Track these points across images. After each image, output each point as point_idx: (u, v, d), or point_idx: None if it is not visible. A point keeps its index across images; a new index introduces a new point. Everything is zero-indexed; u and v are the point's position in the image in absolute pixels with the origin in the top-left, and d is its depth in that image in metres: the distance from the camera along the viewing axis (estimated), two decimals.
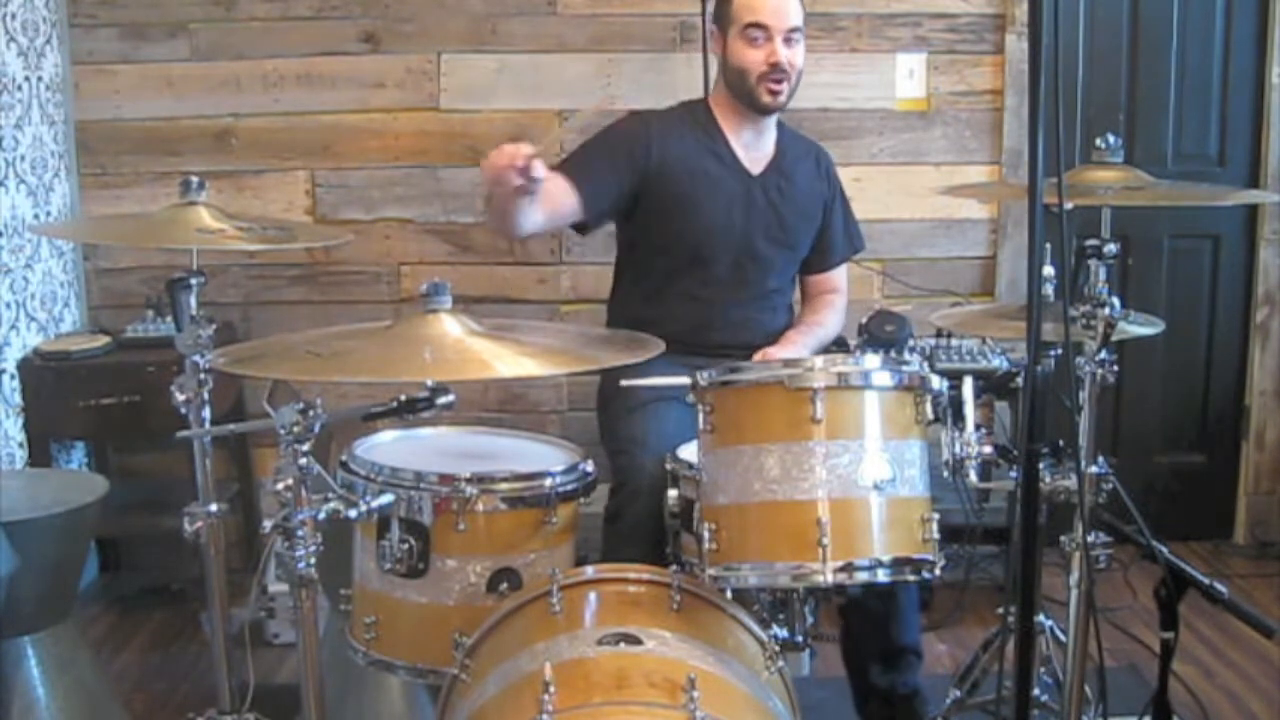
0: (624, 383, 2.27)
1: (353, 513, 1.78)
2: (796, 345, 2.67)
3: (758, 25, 2.55)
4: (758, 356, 2.56)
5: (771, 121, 2.72)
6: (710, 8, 3.22)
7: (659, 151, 2.63)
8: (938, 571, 1.82)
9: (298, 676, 1.77)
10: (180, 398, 2.11)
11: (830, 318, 2.83)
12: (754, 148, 2.72)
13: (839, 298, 2.89)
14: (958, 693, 2.43)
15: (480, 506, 1.93)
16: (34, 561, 2.30)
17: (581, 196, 2.56)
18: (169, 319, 2.64)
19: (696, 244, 2.65)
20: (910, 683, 2.44)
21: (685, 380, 1.89)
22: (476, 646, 1.79)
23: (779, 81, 2.58)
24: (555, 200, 2.50)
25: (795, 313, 2.88)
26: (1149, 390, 3.79)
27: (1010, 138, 3.56)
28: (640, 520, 2.23)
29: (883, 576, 1.77)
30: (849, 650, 2.50)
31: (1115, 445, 3.77)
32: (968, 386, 1.98)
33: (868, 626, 2.43)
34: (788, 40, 2.57)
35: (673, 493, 2.04)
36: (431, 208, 3.59)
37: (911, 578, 1.82)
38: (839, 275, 2.89)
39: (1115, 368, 2.01)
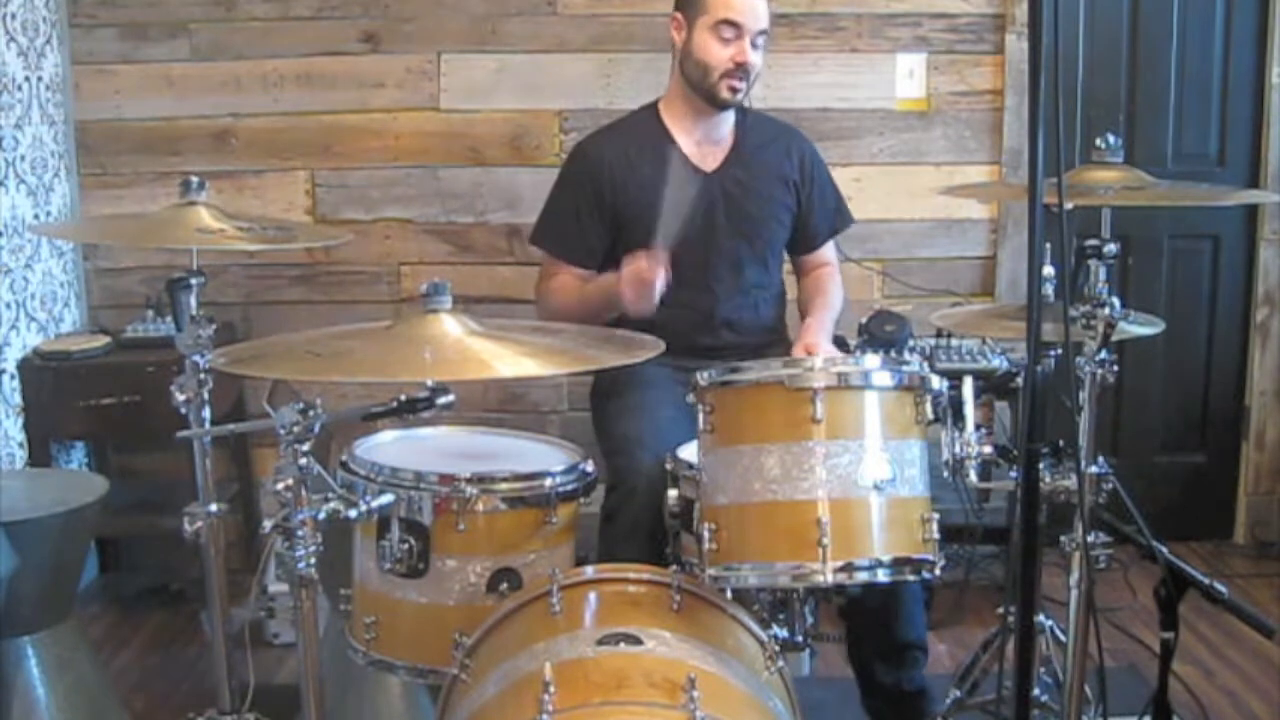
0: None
1: (353, 513, 1.78)
2: (825, 335, 2.66)
3: (731, 24, 2.55)
4: (798, 350, 2.56)
5: (726, 114, 2.71)
6: None
7: (609, 176, 2.66)
8: (938, 571, 1.82)
9: (298, 676, 1.76)
10: (180, 398, 2.11)
11: (832, 291, 2.82)
12: (707, 143, 2.70)
13: (831, 269, 2.88)
14: (958, 693, 2.42)
15: (480, 506, 1.93)
16: (34, 561, 2.30)
17: (588, 267, 2.68)
18: (169, 319, 2.63)
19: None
20: (916, 679, 2.43)
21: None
22: (476, 646, 1.79)
23: (741, 80, 2.58)
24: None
25: (782, 304, 2.87)
26: (1149, 390, 3.80)
27: (1010, 138, 3.56)
28: (637, 520, 2.23)
29: (883, 576, 1.77)
30: (854, 647, 2.49)
31: (1115, 445, 3.77)
32: (968, 386, 1.98)
33: (871, 623, 2.42)
34: (755, 42, 2.58)
35: (673, 493, 2.04)
36: (431, 208, 3.59)
37: (911, 578, 1.82)
38: (826, 250, 2.89)
39: (1115, 368, 2.01)
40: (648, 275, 2.37)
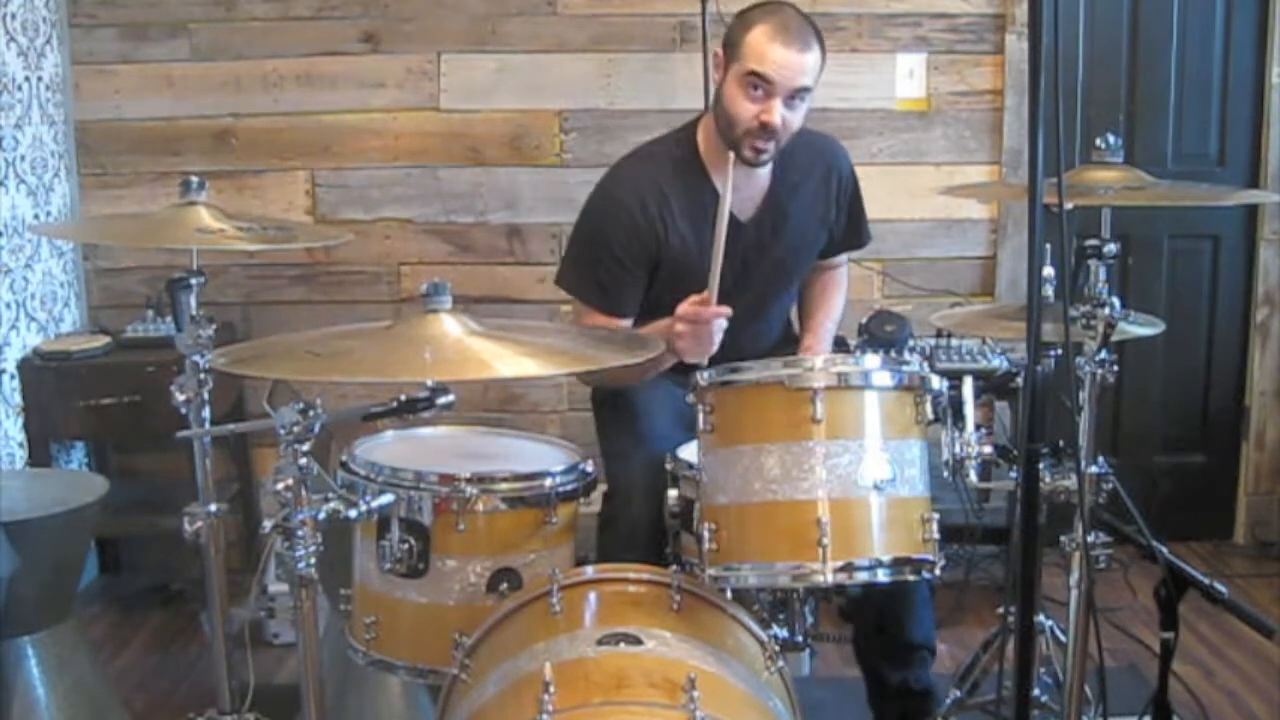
0: None
1: (353, 513, 1.78)
2: (826, 347, 2.60)
3: (760, 77, 2.23)
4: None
5: None
6: (712, 8, 3.23)
7: (661, 233, 2.40)
8: (938, 571, 1.82)
9: (298, 676, 1.76)
10: (180, 398, 2.11)
11: (836, 299, 2.72)
12: (744, 186, 2.40)
13: (840, 271, 2.76)
14: (958, 693, 2.42)
15: (480, 506, 1.93)
16: (34, 561, 2.30)
17: (626, 317, 2.46)
18: (169, 319, 2.63)
19: (686, 299, 2.34)
20: (923, 679, 2.41)
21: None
22: (476, 646, 1.79)
23: (767, 142, 2.29)
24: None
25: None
26: (1149, 390, 3.79)
27: (1010, 138, 3.56)
28: (635, 526, 2.20)
29: (883, 576, 1.77)
30: (861, 646, 2.47)
31: (1115, 445, 3.77)
32: (968, 386, 1.98)
33: (879, 623, 2.41)
34: (791, 100, 2.26)
35: (673, 493, 2.04)
36: (431, 208, 3.59)
37: (911, 578, 1.82)
38: (838, 257, 2.77)
39: (1115, 368, 2.01)
40: (706, 318, 2.16)
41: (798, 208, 2.51)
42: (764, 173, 2.46)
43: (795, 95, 2.27)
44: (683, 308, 2.18)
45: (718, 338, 2.18)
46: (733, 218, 2.38)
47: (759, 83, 2.24)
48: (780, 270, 2.57)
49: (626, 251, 2.40)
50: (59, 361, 3.18)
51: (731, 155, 2.27)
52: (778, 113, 2.25)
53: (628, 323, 2.46)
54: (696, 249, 2.39)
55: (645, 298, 2.46)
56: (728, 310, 2.17)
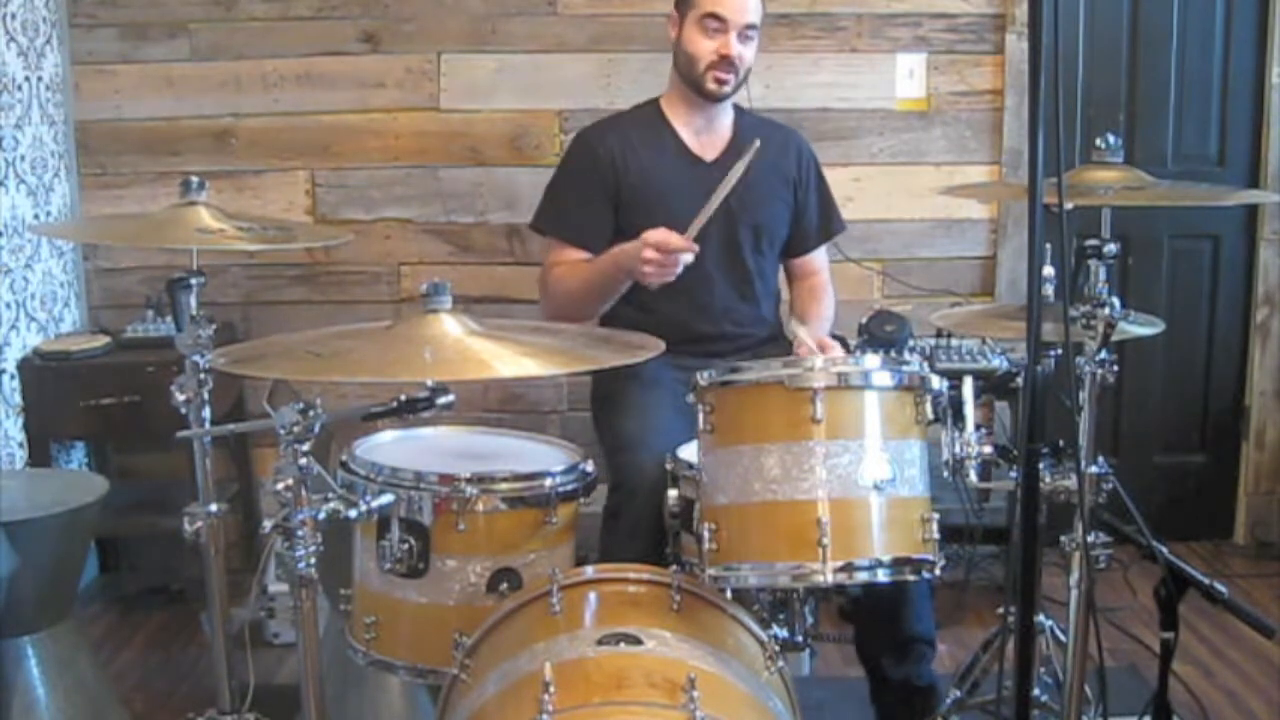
0: None
1: (353, 513, 1.79)
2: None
3: (715, 16, 2.60)
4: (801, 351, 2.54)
5: (724, 108, 2.75)
6: None
7: (612, 162, 2.69)
8: (938, 571, 1.82)
9: (298, 676, 1.77)
10: (180, 398, 2.11)
11: (826, 303, 2.86)
12: (706, 133, 2.75)
13: (824, 279, 2.91)
14: (958, 693, 2.42)
15: (480, 506, 1.93)
16: (34, 561, 2.30)
17: (593, 252, 2.66)
18: (169, 319, 2.64)
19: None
20: (926, 675, 2.42)
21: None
22: (476, 646, 1.79)
23: (726, 72, 2.62)
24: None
25: (778, 303, 2.89)
26: (1149, 390, 3.79)
27: (1010, 138, 3.56)
28: (639, 519, 2.23)
29: (883, 576, 1.77)
30: (862, 642, 2.48)
31: (1115, 445, 3.77)
32: (968, 386, 1.98)
33: (880, 618, 2.42)
34: (742, 36, 2.62)
35: (673, 493, 2.04)
36: (431, 208, 3.59)
37: (911, 578, 1.82)
38: (819, 257, 2.92)
39: (1115, 368, 2.01)
40: (674, 246, 2.36)
41: (759, 162, 2.65)
42: (724, 123, 2.77)
43: (745, 31, 2.63)
44: (652, 233, 2.38)
45: (679, 270, 2.40)
46: (695, 156, 2.72)
47: (714, 21, 2.61)
48: (748, 216, 2.72)
49: (589, 183, 2.71)
50: (59, 361, 3.18)
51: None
52: (734, 45, 2.61)
53: (592, 259, 2.65)
54: (658, 182, 2.68)
55: (613, 234, 2.65)
56: (695, 247, 2.38)
